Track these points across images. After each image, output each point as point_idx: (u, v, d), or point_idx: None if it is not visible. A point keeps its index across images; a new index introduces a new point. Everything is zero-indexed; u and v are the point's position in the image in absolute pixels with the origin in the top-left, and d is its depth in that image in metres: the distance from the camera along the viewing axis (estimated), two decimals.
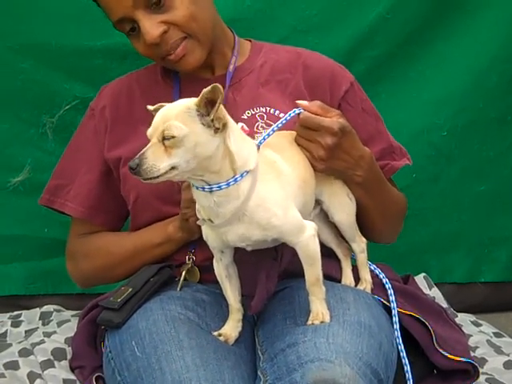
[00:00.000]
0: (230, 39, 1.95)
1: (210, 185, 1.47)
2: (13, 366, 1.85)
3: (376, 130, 1.91)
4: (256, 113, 1.84)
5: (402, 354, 1.67)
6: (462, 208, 2.48)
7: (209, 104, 1.42)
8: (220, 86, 1.40)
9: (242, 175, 1.48)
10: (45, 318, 2.18)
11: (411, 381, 1.65)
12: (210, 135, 1.43)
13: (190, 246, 1.82)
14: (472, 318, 2.23)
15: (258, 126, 1.82)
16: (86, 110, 2.00)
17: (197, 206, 1.56)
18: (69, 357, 1.90)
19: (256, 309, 1.68)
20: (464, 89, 2.41)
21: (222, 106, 1.43)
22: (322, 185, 1.70)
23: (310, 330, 1.53)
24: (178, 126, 1.41)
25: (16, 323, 2.17)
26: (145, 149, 1.42)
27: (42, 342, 1.97)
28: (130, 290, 1.72)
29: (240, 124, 1.78)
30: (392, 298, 1.76)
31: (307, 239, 1.55)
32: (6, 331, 2.12)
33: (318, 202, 1.72)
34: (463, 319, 2.20)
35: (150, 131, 1.45)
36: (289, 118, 1.65)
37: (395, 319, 1.72)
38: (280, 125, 1.63)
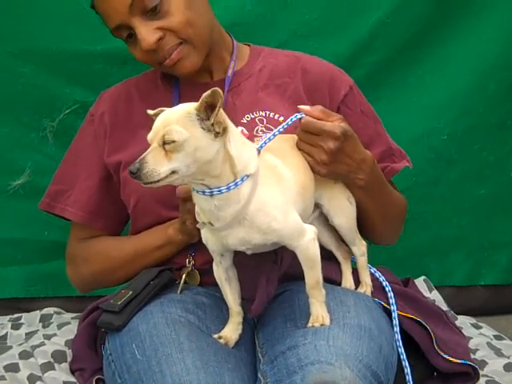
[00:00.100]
0: (228, 44, 1.95)
1: (210, 189, 1.48)
2: (13, 368, 1.85)
3: (376, 133, 1.92)
4: (255, 117, 1.85)
5: (402, 356, 1.67)
6: (462, 211, 2.49)
7: (209, 108, 1.42)
8: (220, 90, 1.40)
9: (242, 179, 1.48)
10: (45, 321, 2.18)
11: (411, 383, 1.66)
12: (210, 139, 1.44)
13: (190, 249, 1.82)
14: (472, 320, 2.23)
15: (257, 130, 1.82)
16: (86, 114, 2.00)
17: (197, 209, 1.56)
18: (69, 359, 1.91)
19: (256, 312, 1.68)
20: (464, 93, 2.41)
21: (222, 110, 1.44)
22: (322, 188, 1.70)
23: (310, 333, 1.53)
24: (178, 130, 1.41)
25: (16, 326, 2.17)
26: (145, 153, 1.42)
27: (43, 344, 1.97)
28: (131, 292, 1.72)
29: (240, 128, 1.79)
30: (392, 300, 1.76)
31: (307, 243, 1.55)
32: (6, 334, 2.12)
33: (317, 205, 1.72)
34: (463, 322, 2.20)
35: (150, 136, 1.45)
36: (290, 122, 1.65)
37: (395, 322, 1.72)
38: (281, 129, 1.63)
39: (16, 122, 2.31)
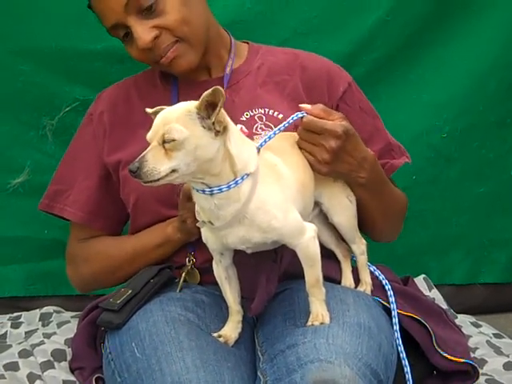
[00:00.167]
0: (226, 41, 1.95)
1: (210, 187, 1.48)
2: (13, 367, 1.85)
3: (375, 129, 1.92)
4: (255, 114, 1.85)
5: (401, 355, 1.67)
6: (462, 210, 2.49)
7: (209, 107, 1.42)
8: (221, 89, 1.40)
9: (242, 178, 1.48)
10: (45, 320, 2.18)
11: (411, 382, 1.66)
12: (210, 138, 1.44)
13: (189, 248, 1.82)
14: (472, 319, 2.23)
15: (256, 128, 1.82)
16: (85, 113, 2.00)
17: (196, 207, 1.56)
18: (69, 358, 1.91)
19: (256, 311, 1.68)
20: (464, 92, 2.41)
21: (222, 109, 1.43)
22: (322, 187, 1.70)
23: (309, 331, 1.54)
24: (178, 128, 1.41)
25: (16, 324, 2.17)
26: (145, 152, 1.42)
27: (42, 343, 1.97)
28: (130, 291, 1.72)
29: (239, 126, 1.79)
30: (392, 299, 1.76)
31: (307, 241, 1.55)
32: (5, 332, 2.12)
33: (317, 204, 1.72)
34: (463, 320, 2.20)
35: (150, 134, 1.45)
36: (291, 121, 1.64)
37: (395, 320, 1.72)
38: (282, 128, 1.63)
39: (15, 120, 2.31)
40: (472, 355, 1.91)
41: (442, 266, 2.50)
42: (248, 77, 1.92)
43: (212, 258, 1.64)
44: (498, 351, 1.99)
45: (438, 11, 2.35)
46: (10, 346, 1.99)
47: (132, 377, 1.56)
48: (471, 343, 2.03)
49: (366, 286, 1.78)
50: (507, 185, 2.49)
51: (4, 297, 2.37)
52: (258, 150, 1.55)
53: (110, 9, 1.78)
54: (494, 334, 2.12)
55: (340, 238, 1.79)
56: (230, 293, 1.65)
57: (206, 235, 1.59)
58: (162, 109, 1.49)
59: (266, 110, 1.85)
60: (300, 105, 1.67)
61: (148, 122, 1.48)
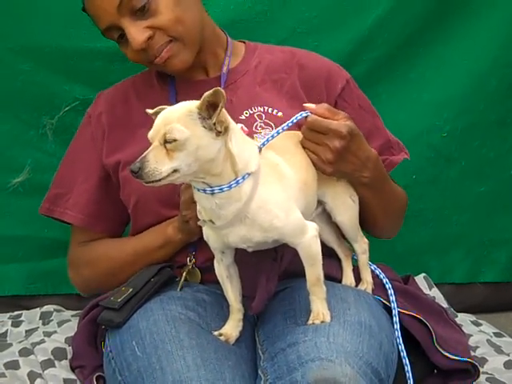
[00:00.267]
0: (222, 41, 1.95)
1: (211, 187, 1.48)
2: (13, 365, 1.86)
3: (374, 126, 1.92)
4: (254, 112, 1.85)
5: (402, 353, 1.68)
6: (462, 209, 2.48)
7: (210, 107, 1.42)
8: (222, 90, 1.40)
9: (243, 177, 1.48)
10: (45, 318, 2.18)
11: (411, 380, 1.66)
12: (211, 138, 1.43)
13: (190, 248, 1.82)
14: (472, 318, 2.23)
15: (256, 126, 1.82)
16: (85, 112, 2.00)
17: (198, 207, 1.56)
18: (69, 356, 1.91)
19: (257, 309, 1.68)
20: (464, 91, 2.41)
21: (223, 110, 1.43)
22: (325, 186, 1.70)
23: (310, 330, 1.54)
24: (179, 129, 1.41)
25: (16, 323, 2.17)
26: (146, 152, 1.42)
27: (43, 341, 1.97)
28: (131, 290, 1.72)
29: (239, 125, 1.78)
30: (392, 298, 1.76)
31: (309, 240, 1.55)
32: (6, 331, 2.12)
33: (320, 203, 1.72)
34: (463, 319, 2.20)
35: (151, 134, 1.45)
36: (295, 120, 1.64)
37: (395, 319, 1.72)
38: (286, 127, 1.63)
39: (15, 120, 2.31)
40: (472, 354, 1.91)
41: (442, 265, 2.50)
42: (246, 76, 1.92)
43: (213, 257, 1.64)
44: (498, 350, 1.99)
45: (438, 10, 2.35)
46: (11, 344, 1.99)
47: (133, 375, 1.56)
48: (471, 342, 2.03)
49: (367, 284, 1.78)
50: (507, 184, 2.49)
51: (4, 295, 2.36)
52: (260, 149, 1.55)
53: (103, 11, 1.78)
54: (494, 332, 2.12)
55: (341, 236, 1.79)
56: (232, 291, 1.65)
57: (207, 234, 1.60)
58: (162, 109, 1.49)
59: (265, 108, 1.85)
60: (304, 104, 1.67)
61: (147, 122, 1.49)
